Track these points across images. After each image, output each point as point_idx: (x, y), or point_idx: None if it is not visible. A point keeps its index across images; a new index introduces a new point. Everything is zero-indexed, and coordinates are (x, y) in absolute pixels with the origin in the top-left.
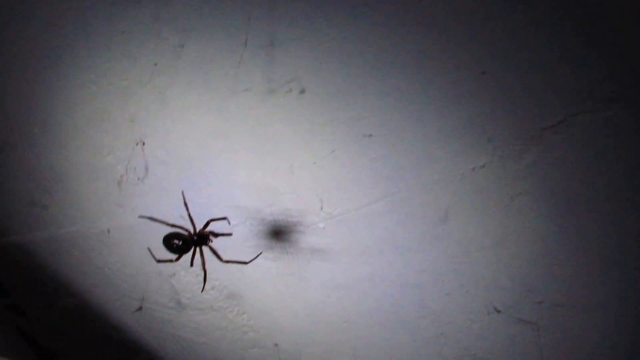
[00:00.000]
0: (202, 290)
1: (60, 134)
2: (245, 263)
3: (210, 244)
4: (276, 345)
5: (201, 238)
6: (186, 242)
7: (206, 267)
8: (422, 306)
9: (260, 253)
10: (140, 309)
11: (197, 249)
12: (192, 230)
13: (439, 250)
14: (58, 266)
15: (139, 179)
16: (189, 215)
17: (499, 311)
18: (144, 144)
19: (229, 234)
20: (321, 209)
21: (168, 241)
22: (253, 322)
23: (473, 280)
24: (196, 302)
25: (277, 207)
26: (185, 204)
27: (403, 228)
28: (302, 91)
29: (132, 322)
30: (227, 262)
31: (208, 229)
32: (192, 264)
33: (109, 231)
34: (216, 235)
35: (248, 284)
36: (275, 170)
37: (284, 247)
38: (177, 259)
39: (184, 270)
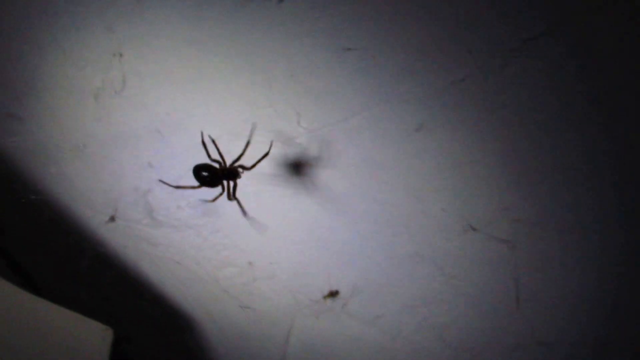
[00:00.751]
0: (245, 215)
1: (36, 44)
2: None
3: (239, 178)
4: (250, 263)
5: (231, 173)
6: (215, 175)
7: (237, 196)
8: (397, 224)
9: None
10: (113, 220)
11: (228, 182)
12: (222, 164)
13: (415, 167)
14: (33, 179)
15: (116, 92)
16: (218, 150)
17: (474, 229)
18: (121, 55)
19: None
20: (299, 123)
21: (197, 172)
22: (227, 240)
23: (449, 198)
24: (171, 219)
25: (254, 122)
26: (213, 141)
27: (380, 143)
28: None
29: (107, 239)
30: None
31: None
32: (229, 197)
33: (84, 146)
34: (247, 168)
35: (223, 201)
36: (252, 84)
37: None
38: (199, 187)
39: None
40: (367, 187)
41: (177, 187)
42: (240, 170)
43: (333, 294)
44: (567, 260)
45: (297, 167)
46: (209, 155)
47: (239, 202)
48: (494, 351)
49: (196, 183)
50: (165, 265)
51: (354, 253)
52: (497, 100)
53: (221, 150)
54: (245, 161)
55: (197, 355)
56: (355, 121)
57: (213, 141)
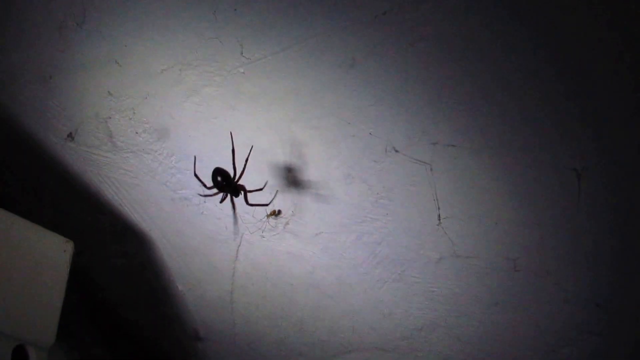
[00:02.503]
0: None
1: None
2: (266, 205)
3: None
4: (202, 185)
5: (234, 190)
6: (225, 184)
7: (235, 210)
8: (331, 147)
9: (277, 192)
10: (72, 138)
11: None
12: (234, 177)
13: (346, 95)
14: (2, 106)
15: (77, 24)
16: (233, 162)
17: (397, 151)
18: None
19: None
20: (241, 54)
21: (215, 174)
22: (181, 164)
23: (375, 123)
24: (129, 145)
25: (200, 54)
26: (233, 149)
27: (314, 72)
28: None
29: (68, 160)
30: (251, 205)
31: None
32: (221, 201)
33: (51, 77)
34: (248, 191)
35: (176, 127)
36: (197, 17)
37: (208, 92)
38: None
39: (118, 114)
40: (302, 114)
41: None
42: (241, 192)
43: (276, 213)
44: (481, 181)
45: (240, 97)
46: (233, 164)
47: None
48: (420, 264)
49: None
50: (123, 187)
51: (293, 175)
52: (416, 33)
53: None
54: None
55: (152, 269)
56: (291, 51)
57: (233, 151)
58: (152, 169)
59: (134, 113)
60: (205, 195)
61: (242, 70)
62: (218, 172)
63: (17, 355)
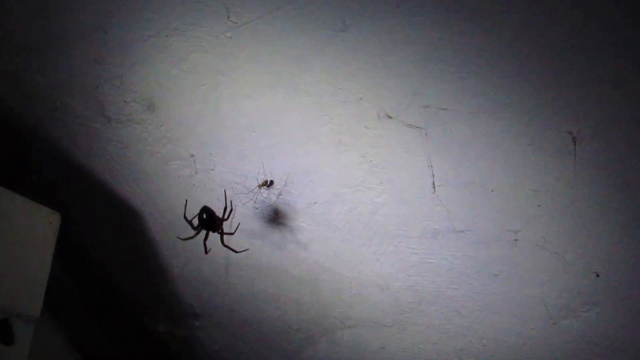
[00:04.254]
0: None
1: None
2: (236, 252)
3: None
4: (192, 156)
5: (214, 228)
6: (208, 222)
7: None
8: (321, 114)
9: (247, 249)
10: (56, 109)
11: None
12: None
13: (337, 59)
14: None
15: None
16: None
17: (390, 117)
18: None
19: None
20: (228, 17)
21: (202, 211)
22: (171, 134)
23: (367, 88)
24: (118, 114)
25: (186, 19)
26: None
27: (304, 36)
28: None
29: (56, 134)
30: (225, 246)
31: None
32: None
33: (35, 47)
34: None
35: (165, 96)
36: None
37: (195, 58)
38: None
39: (106, 82)
40: (291, 79)
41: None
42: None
43: (267, 184)
44: (475, 146)
45: (228, 62)
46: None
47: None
48: (417, 235)
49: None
50: (113, 159)
51: (284, 141)
52: None
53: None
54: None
55: (144, 244)
56: (279, 13)
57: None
58: (142, 139)
59: (122, 81)
60: (185, 239)
61: (229, 35)
62: (205, 211)
63: (3, 335)
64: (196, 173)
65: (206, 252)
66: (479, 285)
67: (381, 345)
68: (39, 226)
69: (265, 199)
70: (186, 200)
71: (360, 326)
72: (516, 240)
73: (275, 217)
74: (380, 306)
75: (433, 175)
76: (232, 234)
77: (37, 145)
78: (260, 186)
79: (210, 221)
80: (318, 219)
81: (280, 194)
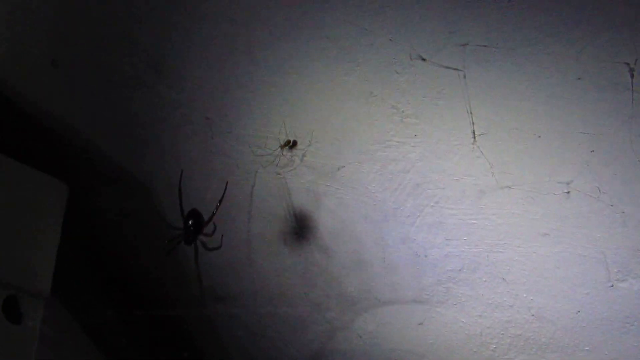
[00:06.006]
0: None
1: None
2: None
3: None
4: (207, 118)
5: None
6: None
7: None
8: (346, 60)
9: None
10: (56, 65)
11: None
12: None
13: None
14: None
15: None
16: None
17: (423, 59)
18: None
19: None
20: None
21: (190, 215)
22: (182, 95)
23: (397, 27)
24: (124, 77)
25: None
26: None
27: None
28: None
29: (57, 96)
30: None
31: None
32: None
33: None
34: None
35: (176, 54)
36: None
37: (207, 7)
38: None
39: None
40: (311, 20)
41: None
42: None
43: (290, 144)
44: (518, 86)
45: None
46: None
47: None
48: (456, 193)
49: None
50: (121, 124)
51: (306, 99)
52: None
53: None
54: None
55: (159, 219)
56: None
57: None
58: (153, 104)
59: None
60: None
61: None
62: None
63: (10, 310)
64: (212, 137)
65: (167, 254)
66: (527, 246)
67: (419, 321)
68: (46, 197)
69: (289, 162)
70: (182, 171)
71: (395, 301)
72: (567, 193)
73: (300, 182)
74: (417, 277)
75: (473, 123)
76: (210, 235)
77: (38, 109)
78: (282, 147)
79: (196, 228)
80: (346, 181)
81: (304, 154)
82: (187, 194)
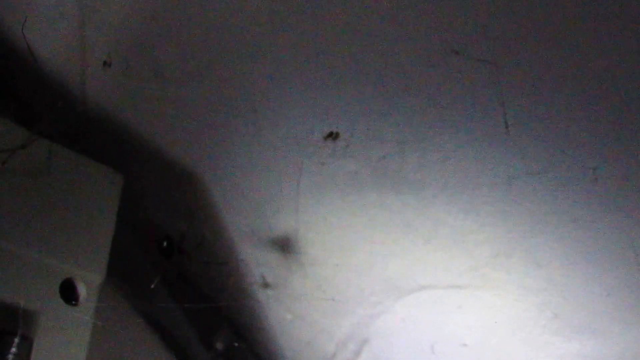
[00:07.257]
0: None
1: None
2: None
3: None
4: (255, 111)
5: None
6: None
7: None
8: (381, 55)
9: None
10: (108, 64)
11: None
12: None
13: None
14: None
15: None
16: None
17: (457, 52)
18: None
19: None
20: None
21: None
22: (231, 88)
23: (431, 19)
24: (177, 73)
25: None
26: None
27: None
28: None
29: (108, 90)
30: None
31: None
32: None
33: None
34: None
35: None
36: None
37: None
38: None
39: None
40: (339, 16)
41: None
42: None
43: (333, 136)
44: (553, 78)
45: None
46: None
47: None
48: (490, 181)
49: None
50: (175, 120)
51: (347, 90)
52: None
53: None
54: None
55: (208, 210)
56: None
57: None
58: (205, 98)
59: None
60: None
61: None
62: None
63: (67, 295)
64: (259, 130)
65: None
66: (559, 232)
67: (458, 304)
68: (101, 187)
69: (332, 153)
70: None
71: (434, 286)
72: (596, 178)
73: (343, 171)
74: (455, 262)
75: (505, 113)
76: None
77: (95, 106)
78: (326, 137)
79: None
80: (386, 170)
81: (347, 145)
82: (236, 184)
